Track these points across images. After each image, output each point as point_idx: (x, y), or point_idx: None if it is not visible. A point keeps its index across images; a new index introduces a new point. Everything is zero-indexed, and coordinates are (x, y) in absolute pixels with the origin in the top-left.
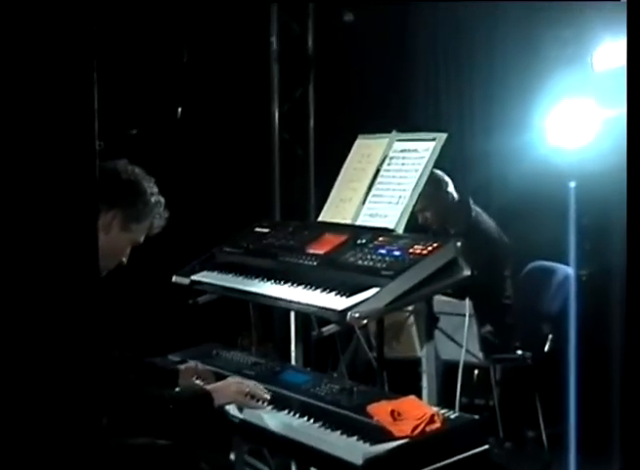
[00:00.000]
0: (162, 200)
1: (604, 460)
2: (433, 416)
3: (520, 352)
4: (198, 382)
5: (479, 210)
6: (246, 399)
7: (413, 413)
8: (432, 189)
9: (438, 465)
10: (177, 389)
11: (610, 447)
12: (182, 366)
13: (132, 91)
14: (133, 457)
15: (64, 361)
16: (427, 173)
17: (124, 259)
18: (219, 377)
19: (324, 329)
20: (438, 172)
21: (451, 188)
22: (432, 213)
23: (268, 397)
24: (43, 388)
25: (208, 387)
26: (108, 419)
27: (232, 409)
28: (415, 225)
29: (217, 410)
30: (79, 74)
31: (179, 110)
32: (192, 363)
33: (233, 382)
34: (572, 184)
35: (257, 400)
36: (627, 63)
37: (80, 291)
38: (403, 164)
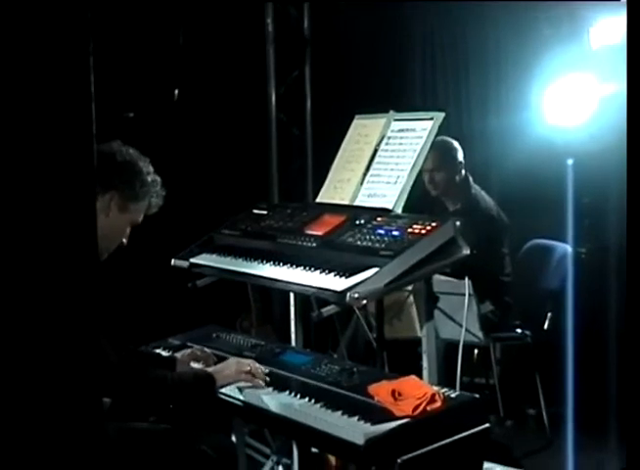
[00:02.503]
0: (159, 178)
1: (603, 438)
2: (433, 395)
3: (519, 330)
4: (196, 366)
5: (477, 188)
6: (248, 377)
7: (414, 393)
8: (446, 152)
9: (440, 444)
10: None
11: (609, 425)
12: (179, 354)
13: (128, 74)
14: (135, 441)
15: (64, 346)
16: (425, 153)
17: (124, 240)
18: (220, 359)
19: (323, 310)
20: (454, 141)
21: (461, 158)
22: (441, 176)
23: (266, 371)
24: (42, 373)
25: (210, 369)
26: (112, 400)
27: (232, 391)
28: (414, 203)
29: (218, 392)
30: (75, 58)
31: (176, 92)
32: (188, 350)
33: (233, 362)
34: (570, 161)
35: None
36: (627, 63)
37: (80, 275)
38: (401, 144)
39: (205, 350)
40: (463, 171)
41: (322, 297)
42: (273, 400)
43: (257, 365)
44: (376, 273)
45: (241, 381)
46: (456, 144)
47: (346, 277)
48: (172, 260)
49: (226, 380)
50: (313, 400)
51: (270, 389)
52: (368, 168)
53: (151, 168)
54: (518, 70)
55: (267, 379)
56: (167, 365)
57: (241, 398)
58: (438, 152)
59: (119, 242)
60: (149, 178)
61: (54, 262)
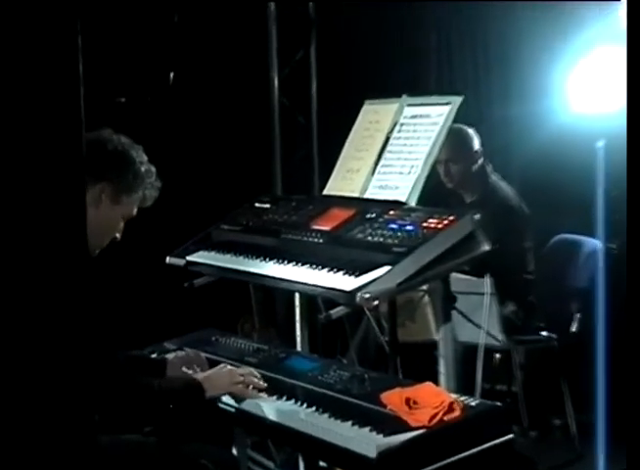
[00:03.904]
0: (153, 168)
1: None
2: (451, 404)
3: (544, 332)
4: (188, 372)
5: (495, 177)
6: (240, 389)
7: (430, 401)
8: (461, 141)
9: (458, 457)
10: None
11: None
12: (171, 356)
13: (120, 56)
14: (127, 455)
15: (52, 352)
16: (441, 140)
17: (118, 235)
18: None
19: (331, 311)
20: (470, 129)
21: (478, 146)
22: (457, 168)
23: (264, 385)
24: (30, 380)
25: (200, 376)
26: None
27: (232, 400)
28: (429, 196)
29: (211, 401)
30: (62, 38)
31: (171, 75)
32: (180, 353)
33: (226, 371)
34: (601, 144)
35: (254, 389)
36: (627, 63)
37: (69, 273)
38: (415, 131)
39: (200, 354)
40: (480, 160)
41: (330, 297)
42: (277, 410)
43: (256, 374)
44: (388, 272)
45: (233, 392)
46: (471, 131)
47: (356, 276)
48: (167, 258)
49: (216, 391)
50: (321, 410)
51: (274, 397)
52: (379, 158)
53: (144, 158)
54: (541, 51)
55: (265, 388)
56: (157, 368)
57: (242, 407)
58: (453, 141)
59: (112, 237)
60: (142, 169)
61: (39, 260)
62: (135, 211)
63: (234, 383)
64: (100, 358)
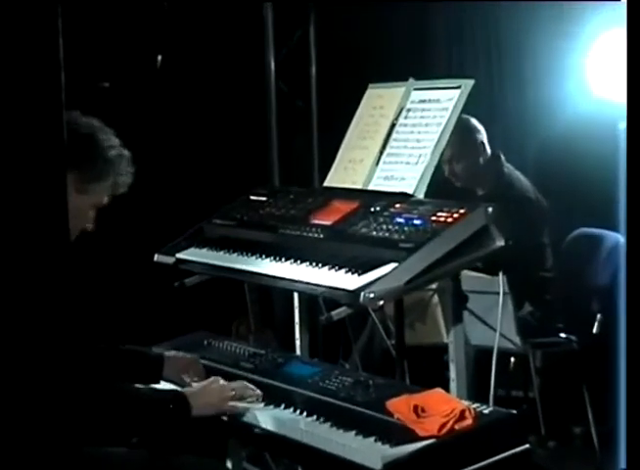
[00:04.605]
0: (126, 152)
1: None
2: (462, 412)
3: (563, 334)
4: (186, 379)
5: (511, 167)
6: (231, 409)
7: (439, 409)
8: (463, 137)
9: (471, 469)
10: (158, 384)
11: None
12: (169, 353)
13: (104, 38)
14: (116, 468)
15: (26, 353)
16: (450, 127)
17: (89, 226)
18: (211, 372)
19: (333, 313)
20: (471, 119)
21: (484, 138)
22: (461, 166)
23: (260, 396)
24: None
25: (188, 391)
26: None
27: None
28: (437, 189)
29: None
30: (42, 20)
31: (159, 59)
32: (180, 353)
33: (216, 388)
34: (623, 126)
35: (248, 400)
36: (627, 64)
37: (48, 266)
38: (423, 117)
39: (199, 360)
40: (488, 150)
41: (331, 297)
42: (275, 419)
43: (251, 386)
44: (394, 269)
45: (224, 411)
46: (474, 122)
47: (360, 274)
48: (155, 256)
49: (203, 411)
50: (322, 419)
51: (272, 406)
52: (384, 146)
53: (116, 141)
54: (556, 36)
55: (260, 400)
56: (152, 366)
57: (237, 416)
58: (455, 137)
59: (82, 228)
60: (112, 153)
61: (16, 251)
62: (105, 199)
63: (224, 399)
64: (76, 361)
